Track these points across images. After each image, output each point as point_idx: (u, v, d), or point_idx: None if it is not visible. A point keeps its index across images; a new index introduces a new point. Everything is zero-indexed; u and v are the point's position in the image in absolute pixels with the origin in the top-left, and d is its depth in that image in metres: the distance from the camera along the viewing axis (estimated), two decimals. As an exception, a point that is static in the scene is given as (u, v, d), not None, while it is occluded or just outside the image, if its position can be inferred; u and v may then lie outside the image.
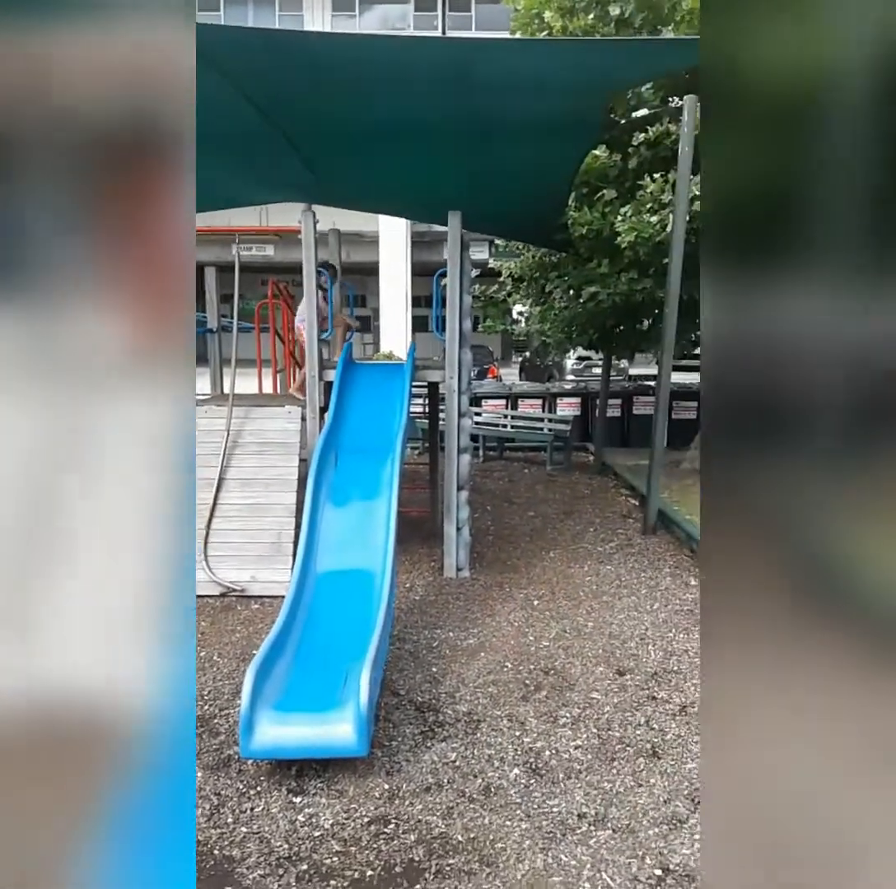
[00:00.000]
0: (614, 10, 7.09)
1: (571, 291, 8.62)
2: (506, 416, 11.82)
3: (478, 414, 11.74)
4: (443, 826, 3.01)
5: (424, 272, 20.13)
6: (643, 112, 7.52)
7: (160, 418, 1.48)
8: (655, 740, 3.62)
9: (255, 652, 3.67)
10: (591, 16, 7.34)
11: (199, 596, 5.47)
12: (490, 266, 11.59)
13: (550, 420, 11.49)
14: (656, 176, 6.93)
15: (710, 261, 1.64)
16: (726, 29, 1.50)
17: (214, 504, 5.63)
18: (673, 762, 3.44)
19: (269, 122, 5.74)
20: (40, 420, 1.45)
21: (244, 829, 2.98)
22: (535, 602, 5.47)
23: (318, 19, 19.79)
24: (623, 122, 7.60)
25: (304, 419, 6.00)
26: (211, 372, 7.02)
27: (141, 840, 1.48)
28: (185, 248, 1.48)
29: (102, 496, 1.49)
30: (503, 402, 12.30)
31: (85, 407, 1.47)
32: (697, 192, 6.43)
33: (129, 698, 1.51)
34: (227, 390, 6.23)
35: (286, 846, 2.89)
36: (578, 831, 2.97)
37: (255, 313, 7.55)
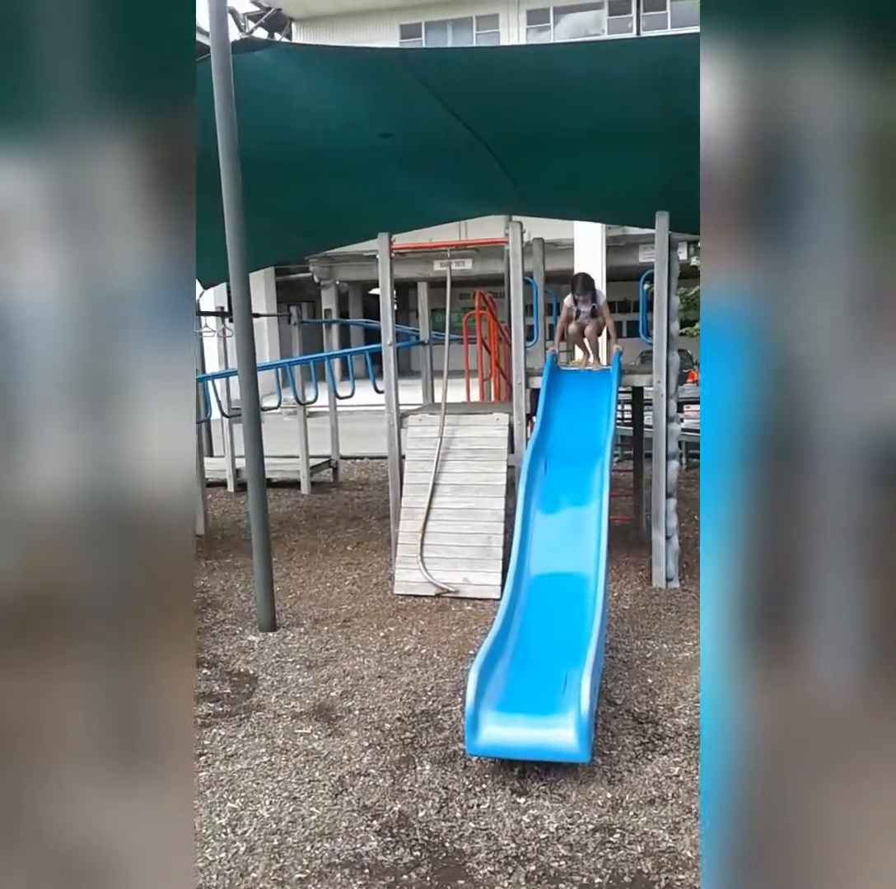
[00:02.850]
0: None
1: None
2: (711, 422, 11.33)
3: (680, 420, 11.34)
4: (670, 841, 2.94)
5: (618, 277, 19.72)
6: None
7: None
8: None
9: (470, 651, 3.77)
10: None
11: (416, 596, 5.73)
12: (692, 265, 11.21)
13: (760, 425, 10.87)
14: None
15: (710, 255, 1.58)
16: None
17: (429, 507, 5.85)
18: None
19: (476, 135, 5.94)
20: None
21: (472, 825, 3.08)
22: (755, 616, 5.19)
23: (513, 35, 20.10)
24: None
25: (511, 426, 6.10)
26: (423, 382, 7.31)
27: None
28: None
29: None
30: (707, 406, 11.81)
31: None
32: None
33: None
34: (438, 400, 6.46)
35: (513, 845, 2.95)
36: (821, 861, 2.79)
37: (463, 325, 7.76)
